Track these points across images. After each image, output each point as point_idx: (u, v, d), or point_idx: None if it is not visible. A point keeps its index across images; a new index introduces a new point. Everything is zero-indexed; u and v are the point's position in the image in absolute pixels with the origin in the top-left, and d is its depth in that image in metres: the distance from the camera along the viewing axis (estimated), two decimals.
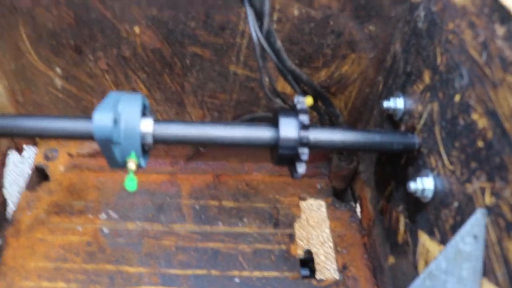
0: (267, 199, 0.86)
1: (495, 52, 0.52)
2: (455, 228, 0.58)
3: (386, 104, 0.73)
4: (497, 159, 0.51)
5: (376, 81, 0.81)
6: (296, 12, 0.71)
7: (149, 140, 0.63)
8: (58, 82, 0.80)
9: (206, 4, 0.69)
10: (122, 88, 0.79)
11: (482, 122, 0.54)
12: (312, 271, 0.83)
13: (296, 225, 0.83)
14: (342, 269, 0.79)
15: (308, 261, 0.85)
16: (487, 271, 0.52)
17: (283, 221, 0.83)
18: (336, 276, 0.78)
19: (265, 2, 0.64)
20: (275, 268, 0.77)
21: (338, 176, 0.89)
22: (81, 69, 0.78)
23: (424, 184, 0.63)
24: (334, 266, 0.79)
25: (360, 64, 0.78)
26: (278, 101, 0.73)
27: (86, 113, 0.84)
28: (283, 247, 0.80)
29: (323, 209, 0.88)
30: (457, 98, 0.59)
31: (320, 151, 0.91)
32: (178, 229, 0.80)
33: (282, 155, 0.65)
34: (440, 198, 0.62)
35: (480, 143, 0.54)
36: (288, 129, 0.65)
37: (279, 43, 0.66)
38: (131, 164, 0.61)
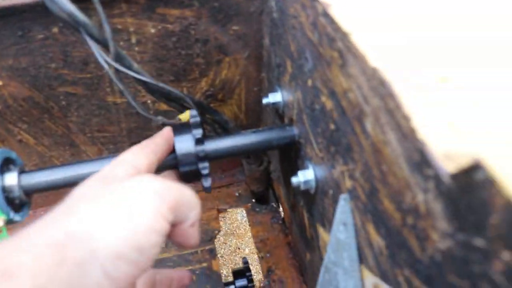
0: None
1: (322, 30, 0.48)
2: (333, 215, 0.54)
3: (265, 100, 0.68)
4: (344, 140, 0.47)
5: (261, 78, 0.76)
6: (152, 30, 0.66)
7: (17, 193, 0.58)
8: None
9: (58, 43, 0.65)
10: (8, 142, 0.74)
11: (328, 103, 0.50)
12: (251, 280, 0.78)
13: (217, 239, 0.78)
14: (267, 273, 0.74)
15: (244, 271, 0.80)
16: (363, 258, 0.47)
17: (203, 238, 0.78)
18: (261, 282, 0.73)
19: (105, 29, 0.59)
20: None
21: (253, 180, 0.84)
22: None
23: (304, 176, 0.59)
24: (259, 272, 0.74)
25: (238, 65, 0.73)
26: (159, 118, 0.68)
27: None
28: (204, 264, 0.75)
29: (244, 216, 0.83)
30: (309, 83, 0.54)
31: (231, 159, 0.87)
32: None
33: (184, 173, 0.60)
34: (321, 188, 0.57)
35: (332, 126, 0.50)
36: (184, 145, 0.60)
37: (135, 65, 0.61)
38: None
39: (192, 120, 0.60)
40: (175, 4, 0.64)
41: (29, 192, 0.59)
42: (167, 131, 0.58)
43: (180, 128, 0.61)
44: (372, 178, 0.41)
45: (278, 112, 0.70)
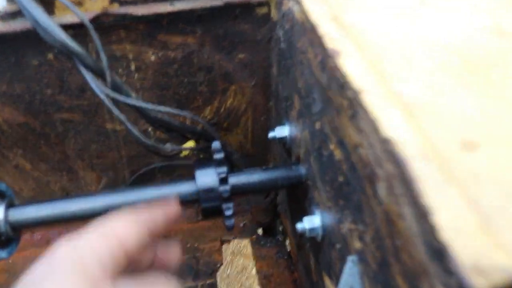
0: (186, 249, 0.76)
1: (331, 73, 0.42)
2: (340, 271, 0.48)
3: (271, 134, 0.63)
4: (355, 197, 0.41)
5: (269, 107, 0.71)
6: (153, 58, 0.61)
7: (3, 228, 0.54)
8: None
9: (54, 69, 0.61)
10: (3, 168, 0.70)
11: (337, 153, 0.44)
12: None
13: (219, 273, 0.74)
14: None
15: None
16: None
17: (204, 271, 0.73)
18: None
19: (102, 59, 0.55)
20: None
21: (259, 211, 0.79)
22: None
23: (310, 223, 0.53)
24: None
25: (244, 94, 0.68)
26: (168, 146, 0.63)
27: None
28: None
29: (248, 249, 0.78)
30: (317, 125, 0.49)
31: None
32: None
33: (205, 208, 0.56)
34: (328, 238, 0.52)
35: (341, 178, 0.44)
36: (207, 180, 0.55)
37: (133, 94, 0.57)
38: None
39: (216, 156, 0.55)
40: (176, 31, 0.59)
41: (17, 228, 0.55)
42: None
43: (203, 162, 0.56)
44: (384, 249, 0.36)
45: (285, 146, 0.65)
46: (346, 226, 0.44)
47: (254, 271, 0.79)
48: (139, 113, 0.59)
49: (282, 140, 0.63)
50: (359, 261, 0.42)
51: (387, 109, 0.32)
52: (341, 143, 0.42)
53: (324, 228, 0.52)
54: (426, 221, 0.26)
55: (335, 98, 0.42)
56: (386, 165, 0.34)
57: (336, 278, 0.51)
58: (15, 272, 0.75)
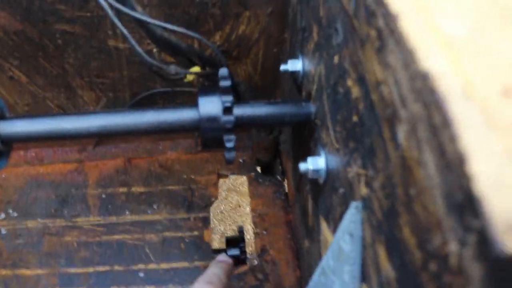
0: (182, 180, 0.74)
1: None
2: (341, 218, 0.45)
3: (283, 67, 0.58)
4: (368, 140, 0.37)
5: (283, 39, 0.66)
6: None
7: None
8: None
9: None
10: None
11: (355, 90, 0.40)
12: (243, 252, 0.72)
13: (212, 208, 0.72)
14: (260, 253, 0.67)
15: (238, 240, 0.74)
16: (366, 278, 0.39)
17: (198, 204, 0.71)
18: (253, 261, 0.67)
19: None
20: (184, 258, 0.66)
21: (260, 148, 0.76)
22: None
23: (314, 164, 0.50)
24: (252, 250, 0.68)
25: (258, 22, 0.63)
26: (172, 68, 0.59)
27: None
28: (195, 233, 0.68)
29: (245, 186, 0.75)
30: (336, 59, 0.44)
31: None
32: (81, 223, 0.69)
33: (205, 139, 0.52)
34: (331, 182, 0.49)
35: (355, 118, 0.40)
36: (209, 109, 0.51)
37: (139, 9, 0.52)
38: None
39: (222, 84, 0.51)
40: None
41: (7, 142, 0.52)
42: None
43: (208, 89, 0.52)
44: (394, 197, 0.33)
45: (296, 82, 0.60)
46: (354, 170, 0.41)
47: (248, 209, 0.77)
48: (144, 30, 0.54)
49: (294, 74, 0.59)
50: (364, 208, 0.39)
51: (425, 42, 0.28)
52: (361, 80, 0.38)
53: (329, 170, 0.49)
54: (457, 170, 0.23)
55: (361, 28, 0.37)
56: (411, 106, 0.30)
57: (334, 224, 0.48)
58: (7, 187, 0.74)
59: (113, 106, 0.71)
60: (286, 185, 0.75)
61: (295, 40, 0.61)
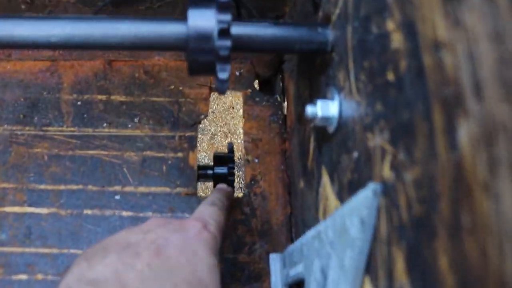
0: (168, 91, 0.63)
1: None
2: (351, 186, 0.37)
3: None
4: (405, 114, 0.27)
5: None
6: None
7: None
8: None
9: None
10: None
11: (397, 38, 0.29)
12: (232, 173, 0.65)
13: (201, 127, 0.62)
14: (249, 183, 0.60)
15: (227, 160, 0.66)
16: (371, 270, 0.32)
17: (185, 121, 0.62)
18: (240, 192, 0.60)
19: None
20: (165, 183, 0.58)
21: (261, 61, 0.65)
22: None
23: (324, 110, 0.40)
24: (241, 179, 0.60)
25: None
26: None
27: None
28: (180, 155, 0.60)
29: (239, 104, 0.65)
30: None
31: None
32: (53, 133, 0.60)
33: (194, 60, 0.41)
34: (343, 136, 0.39)
35: (390, 75, 0.29)
36: (201, 27, 0.39)
37: None
38: None
39: None
40: None
41: None
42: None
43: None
44: (432, 208, 0.24)
45: None
46: (378, 141, 0.31)
47: (241, 111, 0.68)
48: None
49: None
50: (383, 195, 0.30)
51: None
52: (409, 27, 0.27)
53: (342, 121, 0.39)
54: None
55: None
56: (493, 103, 0.19)
57: (339, 186, 0.40)
58: None
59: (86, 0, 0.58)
60: (285, 107, 0.65)
61: None
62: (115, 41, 0.40)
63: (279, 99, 0.65)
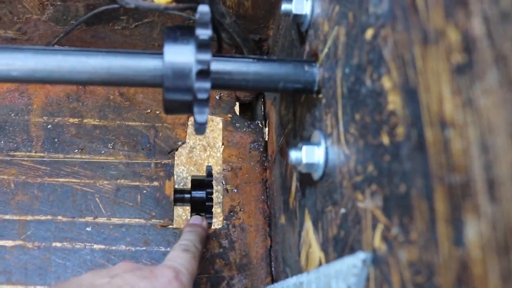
0: (145, 115, 0.59)
1: None
2: (338, 243, 0.34)
3: (284, 6, 0.41)
4: (402, 187, 0.24)
5: None
6: None
7: None
8: None
9: None
10: None
11: (393, 99, 0.26)
12: (210, 198, 0.61)
13: (178, 154, 0.59)
14: (228, 215, 0.56)
15: (206, 184, 0.62)
16: None
17: (161, 147, 0.58)
18: (218, 224, 0.56)
19: None
20: (140, 213, 0.54)
21: None
22: None
23: (309, 156, 0.37)
24: (219, 210, 0.57)
25: None
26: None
27: None
28: (155, 183, 0.56)
29: (219, 130, 0.62)
30: (368, 34, 0.29)
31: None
32: (21, 158, 0.56)
33: (170, 100, 0.37)
34: (329, 186, 0.36)
35: (385, 139, 0.26)
36: (178, 65, 0.35)
37: None
38: None
39: (199, 32, 0.34)
40: None
41: None
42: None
43: (179, 32, 0.35)
44: None
45: (300, 28, 0.44)
46: (369, 205, 0.28)
47: (220, 124, 0.64)
48: None
49: (298, 17, 0.42)
50: (374, 265, 0.27)
51: None
52: (410, 93, 0.24)
53: (328, 169, 0.36)
54: None
55: (429, 18, 0.22)
56: (506, 193, 0.16)
57: (324, 236, 0.37)
58: None
59: (62, 18, 0.53)
60: (266, 133, 0.61)
61: None
62: (84, 77, 0.36)
63: (260, 125, 0.62)
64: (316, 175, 0.38)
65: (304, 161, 0.37)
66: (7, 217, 0.53)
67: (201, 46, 0.35)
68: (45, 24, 0.56)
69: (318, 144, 0.37)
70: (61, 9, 0.52)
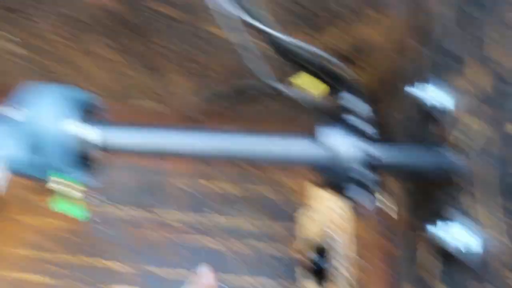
0: (266, 179, 0.62)
1: None
2: None
3: (408, 89, 0.43)
4: None
5: (418, 51, 0.50)
6: None
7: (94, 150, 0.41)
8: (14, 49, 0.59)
9: None
10: (89, 55, 0.56)
11: None
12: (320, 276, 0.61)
13: (300, 218, 0.60)
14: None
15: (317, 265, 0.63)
16: None
17: (283, 210, 0.60)
18: None
19: None
20: (271, 275, 0.57)
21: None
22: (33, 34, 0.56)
23: (466, 246, 0.36)
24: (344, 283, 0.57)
25: (387, 25, 0.47)
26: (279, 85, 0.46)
27: (55, 80, 0.63)
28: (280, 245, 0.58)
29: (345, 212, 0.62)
30: (509, 128, 0.30)
31: None
32: (165, 218, 0.61)
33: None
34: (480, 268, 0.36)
35: None
36: (347, 158, 0.39)
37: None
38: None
39: (365, 130, 0.39)
40: None
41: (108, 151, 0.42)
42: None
43: (336, 124, 0.40)
44: None
45: (423, 109, 0.45)
46: None
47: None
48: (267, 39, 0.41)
49: (419, 101, 0.44)
50: None
51: None
52: None
53: (487, 256, 0.35)
54: None
55: None
56: None
57: None
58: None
59: (207, 93, 0.60)
60: (386, 204, 0.61)
61: (437, 60, 0.45)
62: (251, 155, 0.41)
63: (381, 198, 0.62)
64: (473, 261, 0.37)
65: (464, 251, 0.36)
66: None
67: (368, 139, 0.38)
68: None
69: (471, 233, 0.37)
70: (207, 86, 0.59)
